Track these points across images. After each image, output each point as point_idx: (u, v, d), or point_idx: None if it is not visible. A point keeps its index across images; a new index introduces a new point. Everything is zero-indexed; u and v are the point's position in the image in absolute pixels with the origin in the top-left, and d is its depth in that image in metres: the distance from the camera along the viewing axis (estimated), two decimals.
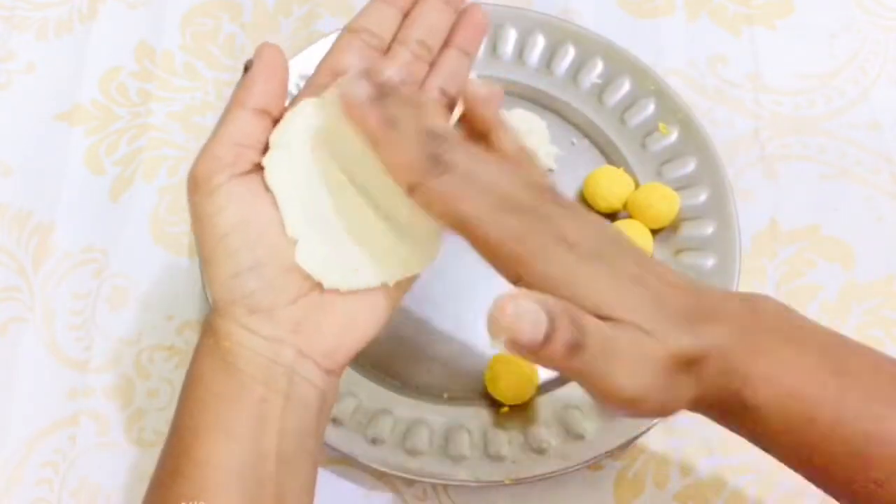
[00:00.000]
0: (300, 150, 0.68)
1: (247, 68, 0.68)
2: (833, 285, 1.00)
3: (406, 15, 0.74)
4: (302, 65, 1.05)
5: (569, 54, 1.09)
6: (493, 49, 1.10)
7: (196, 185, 0.66)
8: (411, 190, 0.64)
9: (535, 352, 0.57)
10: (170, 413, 0.91)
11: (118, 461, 0.91)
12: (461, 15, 0.75)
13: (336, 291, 0.68)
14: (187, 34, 1.14)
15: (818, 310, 0.99)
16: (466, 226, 0.63)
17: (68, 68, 1.12)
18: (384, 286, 0.69)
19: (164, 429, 0.90)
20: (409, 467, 0.86)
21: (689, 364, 0.62)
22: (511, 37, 1.10)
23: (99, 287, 0.99)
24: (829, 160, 1.07)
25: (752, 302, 0.66)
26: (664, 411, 0.64)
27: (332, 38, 1.05)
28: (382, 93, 0.64)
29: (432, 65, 0.75)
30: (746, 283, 0.98)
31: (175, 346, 0.96)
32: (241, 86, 0.68)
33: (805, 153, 1.08)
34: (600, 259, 0.62)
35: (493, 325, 0.56)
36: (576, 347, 0.57)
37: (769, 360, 0.62)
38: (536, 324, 0.56)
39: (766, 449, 0.66)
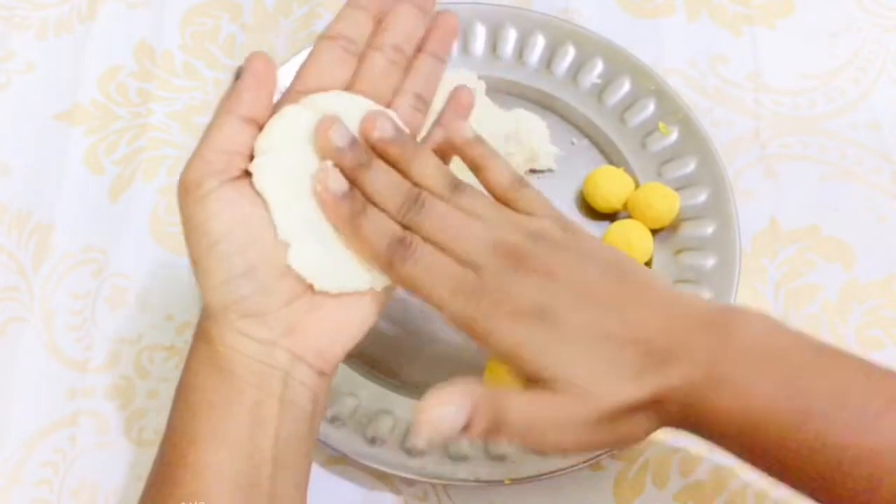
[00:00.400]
0: (286, 155, 0.69)
1: (237, 76, 0.69)
2: (833, 285, 1.00)
3: (379, 21, 0.75)
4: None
5: (569, 54, 1.09)
6: (494, 49, 1.10)
7: (186, 191, 0.67)
8: (386, 272, 0.68)
9: (459, 439, 0.64)
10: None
11: (118, 461, 0.91)
12: (434, 20, 0.76)
13: (327, 293, 0.68)
14: (187, 34, 1.14)
15: (819, 310, 0.99)
16: (430, 303, 0.68)
17: (68, 68, 1.12)
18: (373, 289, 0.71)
19: (164, 429, 0.90)
20: (409, 467, 0.86)
21: (641, 408, 0.63)
22: (511, 37, 1.10)
23: (99, 287, 0.99)
24: (830, 160, 1.07)
25: (730, 323, 0.65)
26: (617, 446, 0.67)
27: None
28: (351, 174, 0.68)
29: (407, 70, 0.76)
30: (747, 283, 0.98)
31: (175, 346, 0.96)
32: (230, 93, 0.69)
33: (805, 153, 1.08)
34: (547, 319, 0.65)
35: (417, 425, 0.62)
36: (494, 430, 0.63)
37: (734, 389, 0.62)
38: (454, 420, 0.61)
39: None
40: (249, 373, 0.66)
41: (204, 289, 0.67)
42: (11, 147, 1.07)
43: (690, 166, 1.02)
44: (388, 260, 0.67)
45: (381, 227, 0.67)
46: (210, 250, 0.66)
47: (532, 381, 0.64)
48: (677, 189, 1.00)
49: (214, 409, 0.66)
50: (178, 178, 1.01)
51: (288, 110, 0.70)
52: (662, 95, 1.06)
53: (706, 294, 0.94)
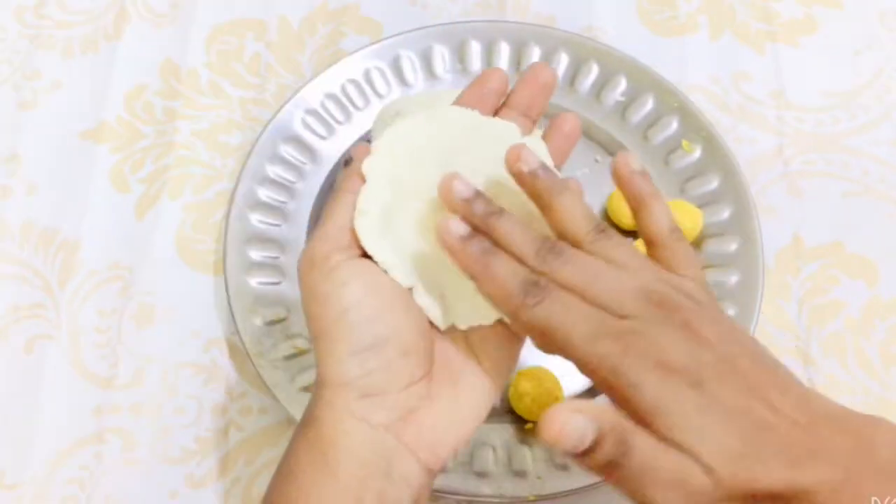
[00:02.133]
0: (388, 206, 0.68)
1: (347, 162, 0.69)
2: (856, 302, 1.00)
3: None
4: (326, 83, 1.06)
5: (592, 72, 1.09)
6: (518, 67, 1.11)
7: (312, 264, 0.66)
8: (511, 318, 0.65)
9: (575, 459, 0.58)
10: (196, 430, 0.92)
11: (144, 478, 0.91)
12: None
13: (444, 382, 0.68)
14: (212, 52, 1.15)
15: (841, 327, 0.99)
16: (564, 352, 0.63)
17: (94, 86, 1.13)
18: (487, 378, 0.69)
19: (191, 445, 0.91)
20: (434, 483, 0.86)
21: (767, 498, 0.60)
22: (535, 55, 1.11)
23: (125, 304, 0.99)
24: (853, 177, 1.07)
25: (870, 434, 0.62)
26: None
27: (357, 56, 1.07)
28: (480, 223, 0.66)
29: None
30: (770, 299, 0.98)
31: (201, 363, 0.96)
32: (346, 176, 0.69)
33: (828, 170, 1.08)
34: (694, 386, 0.60)
35: (541, 430, 0.57)
36: (613, 465, 0.58)
37: (871, 501, 0.59)
38: (581, 438, 0.57)
39: None
40: (355, 464, 0.64)
41: (326, 362, 0.66)
42: (38, 165, 1.07)
43: (714, 183, 1.02)
44: (521, 301, 0.63)
45: (513, 268, 0.64)
46: (338, 320, 0.65)
47: (659, 436, 0.60)
48: (701, 206, 1.00)
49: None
50: (203, 196, 1.02)
51: (374, 158, 0.70)
52: (686, 113, 1.06)
53: (729, 311, 0.95)
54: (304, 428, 0.67)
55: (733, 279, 0.97)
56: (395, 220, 0.68)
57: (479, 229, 0.66)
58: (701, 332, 0.62)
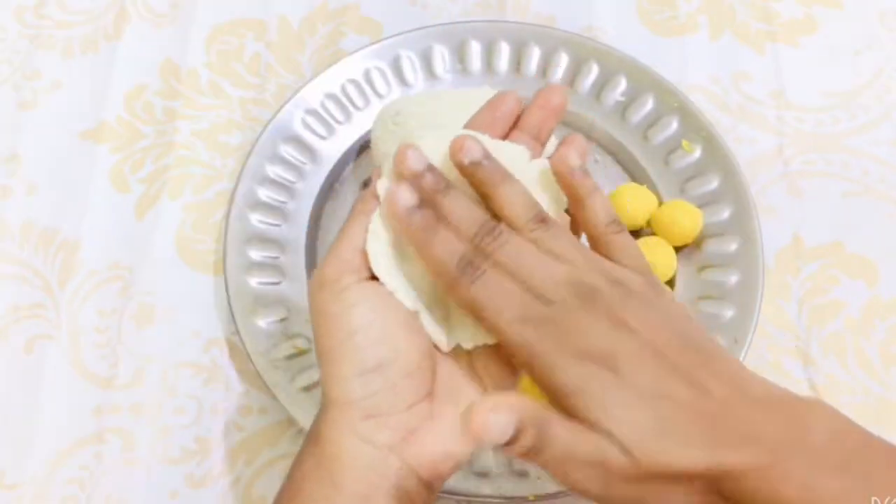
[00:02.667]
0: (386, 234, 0.69)
1: (365, 184, 0.70)
2: (856, 302, 1.00)
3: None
4: (326, 83, 1.06)
5: (592, 72, 1.09)
6: (518, 67, 1.11)
7: (323, 285, 0.67)
8: (447, 290, 0.67)
9: (501, 449, 0.60)
10: (196, 430, 0.92)
11: (144, 478, 0.91)
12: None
13: (446, 401, 0.69)
14: (212, 52, 1.15)
15: (841, 327, 0.99)
16: (491, 330, 0.66)
17: (94, 86, 1.13)
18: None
19: (191, 446, 0.91)
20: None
21: (686, 479, 0.61)
22: (535, 55, 1.11)
23: (125, 304, 0.99)
24: (853, 177, 1.07)
25: (804, 416, 0.62)
26: None
27: (357, 56, 1.07)
28: (427, 197, 0.68)
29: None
30: (770, 299, 0.98)
31: (201, 363, 0.96)
32: (362, 199, 0.71)
33: (828, 170, 1.08)
34: (612, 370, 0.62)
35: (463, 424, 0.60)
36: (535, 451, 0.61)
37: (801, 484, 0.59)
38: (502, 432, 0.59)
39: None
40: (359, 481, 0.65)
41: (331, 382, 0.67)
42: (38, 165, 1.07)
43: (714, 183, 1.02)
44: (455, 278, 0.66)
45: (452, 246, 0.67)
46: (346, 341, 0.66)
47: (579, 420, 0.62)
48: (700, 206, 1.00)
49: None
50: (203, 196, 1.02)
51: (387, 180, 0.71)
52: (686, 113, 1.06)
53: (729, 311, 0.95)
54: (310, 444, 0.68)
55: (733, 279, 0.97)
56: (404, 242, 0.69)
57: (427, 203, 0.68)
58: (626, 320, 0.64)
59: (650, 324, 0.65)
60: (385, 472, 0.65)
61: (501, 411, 0.60)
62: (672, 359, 0.63)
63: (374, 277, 0.68)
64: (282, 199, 1.02)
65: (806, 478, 0.59)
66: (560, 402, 0.63)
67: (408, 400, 0.67)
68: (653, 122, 1.07)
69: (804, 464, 0.60)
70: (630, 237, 0.71)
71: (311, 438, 0.68)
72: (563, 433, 0.61)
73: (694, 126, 1.05)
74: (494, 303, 0.65)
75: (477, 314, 0.66)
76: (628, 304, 0.65)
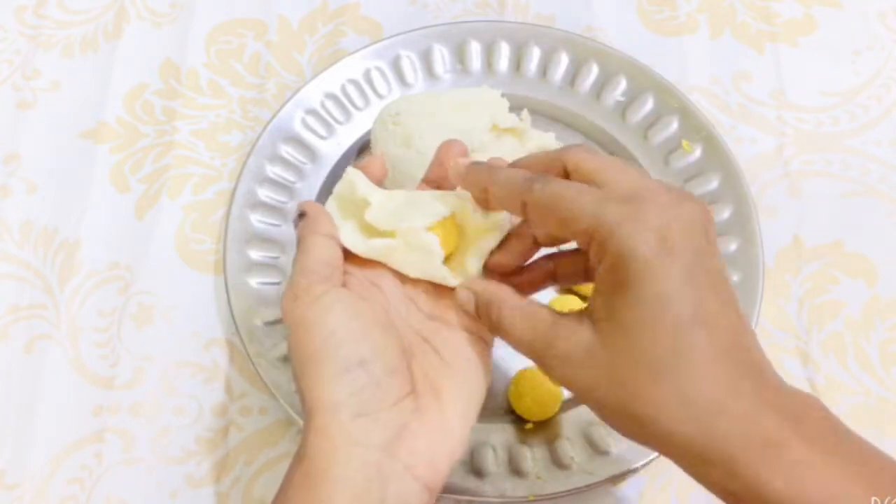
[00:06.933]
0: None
1: (302, 214, 0.74)
2: (856, 302, 1.00)
3: None
4: (326, 83, 1.06)
5: (592, 72, 1.10)
6: (517, 67, 1.11)
7: (296, 297, 0.69)
8: (521, 210, 0.69)
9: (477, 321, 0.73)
10: (196, 430, 0.92)
11: (144, 478, 0.91)
12: None
13: (428, 395, 0.69)
14: (212, 52, 1.15)
15: (842, 326, 0.99)
16: (567, 225, 0.66)
17: (94, 86, 1.13)
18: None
19: (191, 446, 0.91)
20: None
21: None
22: (535, 55, 1.11)
23: (125, 304, 0.99)
24: (853, 177, 1.07)
25: (800, 409, 0.62)
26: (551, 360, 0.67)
27: (357, 56, 1.07)
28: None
29: None
30: (770, 299, 0.98)
31: (201, 363, 0.96)
32: (306, 222, 0.73)
33: (828, 170, 1.08)
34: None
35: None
36: (494, 326, 0.71)
37: (794, 471, 0.59)
38: (468, 304, 0.73)
39: None
40: (348, 494, 0.64)
41: (315, 386, 0.66)
42: (38, 165, 1.07)
43: (714, 183, 1.02)
44: (528, 187, 0.67)
45: (514, 174, 0.70)
46: (328, 340, 0.66)
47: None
48: None
49: None
50: (203, 196, 1.02)
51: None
52: (685, 113, 1.06)
53: None
54: (296, 463, 0.66)
55: (733, 279, 0.97)
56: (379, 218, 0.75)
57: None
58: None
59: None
60: (377, 480, 0.64)
61: (466, 289, 0.73)
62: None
63: (343, 285, 0.71)
64: (282, 199, 1.02)
65: (799, 466, 0.59)
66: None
67: (393, 396, 0.67)
68: (653, 122, 1.07)
69: (799, 451, 0.59)
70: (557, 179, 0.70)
71: (297, 457, 0.67)
72: (514, 303, 0.70)
73: (694, 126, 1.05)
74: (572, 193, 0.65)
75: (554, 210, 0.66)
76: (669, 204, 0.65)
